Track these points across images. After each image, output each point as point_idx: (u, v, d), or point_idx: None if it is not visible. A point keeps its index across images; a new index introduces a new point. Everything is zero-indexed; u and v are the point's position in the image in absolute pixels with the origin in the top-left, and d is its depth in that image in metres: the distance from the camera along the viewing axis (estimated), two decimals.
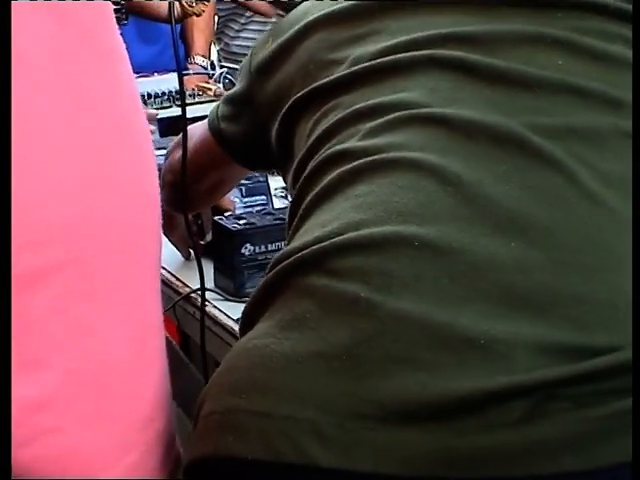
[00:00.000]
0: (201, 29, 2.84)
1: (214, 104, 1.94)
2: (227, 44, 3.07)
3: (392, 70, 0.92)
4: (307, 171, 0.92)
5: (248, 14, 3.00)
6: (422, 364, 0.71)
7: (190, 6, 1.23)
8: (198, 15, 1.84)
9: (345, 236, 0.79)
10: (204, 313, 1.36)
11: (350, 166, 0.85)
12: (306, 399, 0.72)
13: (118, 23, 0.79)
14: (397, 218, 0.79)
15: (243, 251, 1.48)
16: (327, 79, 0.97)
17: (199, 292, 1.42)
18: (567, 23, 0.92)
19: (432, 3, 0.97)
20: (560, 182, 0.79)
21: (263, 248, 1.49)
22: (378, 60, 0.93)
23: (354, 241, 0.78)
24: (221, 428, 0.75)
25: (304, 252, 0.80)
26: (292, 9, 1.22)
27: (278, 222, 1.51)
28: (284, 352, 0.75)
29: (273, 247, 1.50)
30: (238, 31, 3.06)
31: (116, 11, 1.18)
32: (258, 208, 1.67)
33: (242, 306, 1.40)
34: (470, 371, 0.70)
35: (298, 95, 1.01)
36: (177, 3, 1.22)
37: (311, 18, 1.06)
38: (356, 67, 0.95)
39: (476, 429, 0.69)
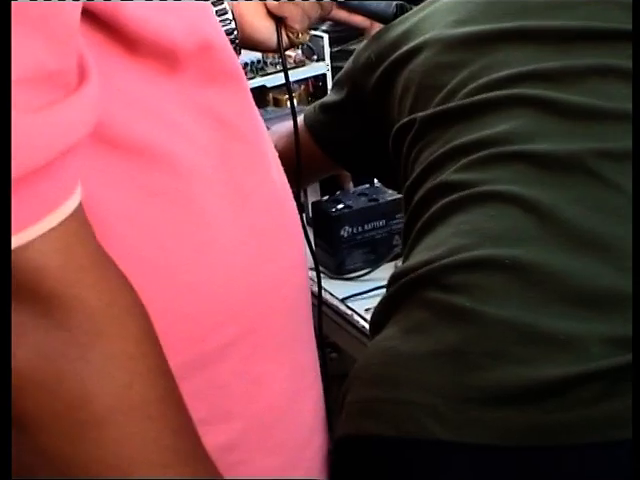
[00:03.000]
0: None
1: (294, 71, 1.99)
2: None
3: (483, 108, 1.05)
4: (415, 200, 1.08)
5: None
6: (515, 358, 0.88)
7: (297, 37, 1.29)
8: (303, 44, 1.92)
9: (451, 258, 0.95)
10: (320, 290, 1.39)
11: (450, 199, 1.01)
12: (426, 388, 0.89)
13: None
14: (490, 242, 0.96)
15: (342, 233, 1.63)
16: (428, 112, 1.10)
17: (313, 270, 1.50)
18: (629, 53, 1.01)
19: (513, 38, 1.09)
20: (621, 202, 0.93)
21: (360, 229, 1.64)
22: (471, 99, 1.06)
23: (458, 262, 0.95)
24: (361, 414, 0.94)
25: (419, 271, 0.97)
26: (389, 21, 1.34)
27: (372, 204, 1.66)
28: (408, 352, 0.93)
29: (369, 227, 1.65)
30: None
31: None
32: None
33: (342, 283, 1.60)
34: (553, 362, 0.87)
35: (402, 122, 1.15)
36: (284, 34, 1.28)
37: (421, 39, 1.17)
38: (452, 104, 1.08)
39: (559, 407, 0.85)
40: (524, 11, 1.11)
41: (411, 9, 1.40)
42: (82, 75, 0.63)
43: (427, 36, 1.16)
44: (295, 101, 2.37)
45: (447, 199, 1.02)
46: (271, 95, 2.38)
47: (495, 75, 1.06)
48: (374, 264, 1.66)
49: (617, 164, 0.97)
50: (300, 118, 1.40)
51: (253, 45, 1.31)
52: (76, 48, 0.62)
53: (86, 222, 0.63)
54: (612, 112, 1.00)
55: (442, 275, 0.96)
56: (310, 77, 2.45)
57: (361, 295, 1.59)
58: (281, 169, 0.88)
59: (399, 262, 1.65)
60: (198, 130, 0.76)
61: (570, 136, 1.00)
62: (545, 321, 0.89)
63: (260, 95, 2.33)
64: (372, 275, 1.65)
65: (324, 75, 2.46)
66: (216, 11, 1.22)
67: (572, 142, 0.99)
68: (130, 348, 0.64)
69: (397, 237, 1.68)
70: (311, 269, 1.50)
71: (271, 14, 1.28)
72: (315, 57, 2.43)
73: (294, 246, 0.86)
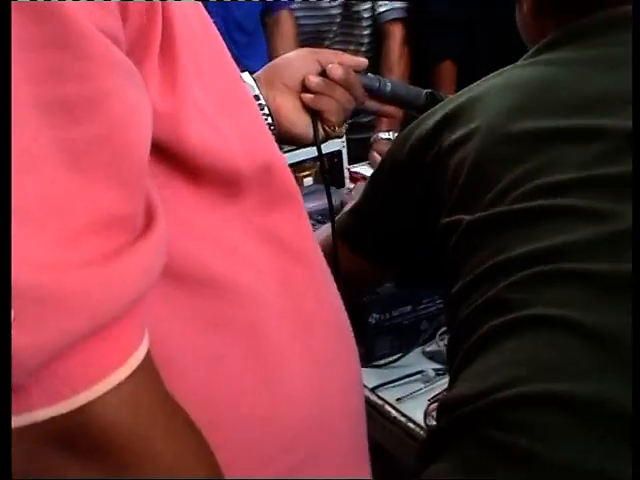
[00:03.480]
0: None
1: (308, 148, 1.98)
2: None
3: (538, 216, 0.98)
4: (462, 316, 1.02)
5: (328, 43, 3.13)
6: None
7: (333, 130, 1.29)
8: (340, 137, 1.93)
9: (507, 392, 0.89)
10: None
11: (501, 321, 0.95)
12: None
13: None
14: (546, 375, 0.89)
15: (370, 320, 1.61)
16: (477, 215, 1.03)
17: None
18: None
19: (570, 137, 1.02)
20: None
21: (388, 315, 1.62)
22: (525, 205, 0.99)
23: (515, 398, 0.89)
24: None
25: (473, 405, 0.92)
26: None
27: (398, 289, 1.63)
28: None
29: (396, 313, 1.63)
30: None
31: None
32: None
33: (371, 371, 1.58)
34: None
35: (446, 221, 1.08)
36: (320, 128, 1.28)
37: (472, 126, 1.09)
38: (503, 208, 1.01)
39: None
40: (581, 105, 1.04)
41: (442, 97, 1.40)
42: (149, 216, 0.63)
43: (477, 123, 1.09)
44: (311, 179, 2.40)
45: (498, 320, 0.96)
46: None
47: (553, 178, 1.00)
48: (402, 350, 1.64)
49: None
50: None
51: (290, 139, 1.30)
52: (144, 189, 0.62)
53: (154, 369, 0.63)
54: None
55: (498, 411, 0.90)
56: (326, 154, 2.44)
57: (391, 384, 1.56)
58: (335, 288, 0.87)
59: (427, 347, 1.65)
60: (260, 255, 0.76)
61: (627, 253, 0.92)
62: (607, 463, 0.84)
63: None
64: (401, 362, 1.62)
65: (339, 152, 2.45)
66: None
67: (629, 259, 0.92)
68: None
69: (425, 322, 1.67)
70: None
71: (307, 108, 1.27)
72: None
73: (352, 367, 0.86)
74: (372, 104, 1.37)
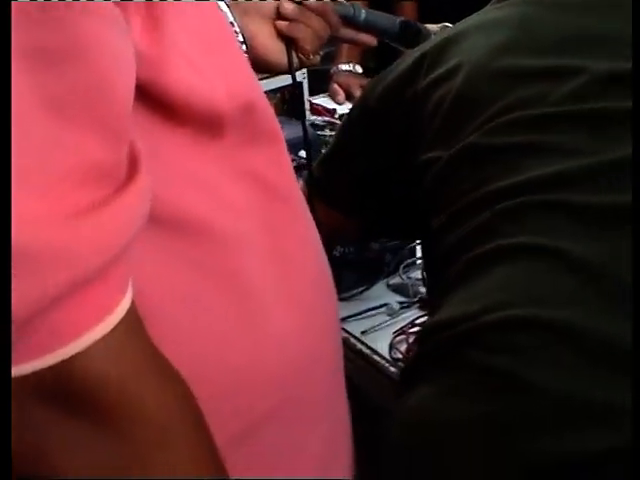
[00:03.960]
0: None
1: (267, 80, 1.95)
2: None
3: (519, 149, 0.99)
4: (446, 244, 1.02)
5: None
6: (552, 428, 0.83)
7: (307, 58, 1.27)
8: (315, 65, 1.91)
9: (494, 315, 0.90)
10: None
11: (489, 247, 0.96)
12: (464, 455, 0.86)
13: None
14: (536, 301, 0.89)
15: (335, 253, 1.61)
16: (457, 146, 1.04)
17: None
18: None
19: (551, 76, 1.03)
20: None
21: (352, 248, 1.63)
22: (505, 140, 1.01)
23: (502, 321, 0.89)
24: None
25: (458, 328, 0.92)
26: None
27: None
28: (445, 417, 0.89)
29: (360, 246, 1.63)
30: None
31: None
32: None
33: (338, 303, 1.58)
34: (587, 435, 0.81)
35: (426, 156, 1.09)
36: (295, 55, 1.26)
37: (455, 61, 1.10)
38: (483, 140, 1.02)
39: None
40: (560, 44, 1.06)
41: (416, 25, 1.40)
42: (133, 165, 0.61)
43: (456, 61, 1.10)
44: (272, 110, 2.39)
45: (484, 248, 0.96)
46: None
47: (529, 112, 1.01)
48: (367, 284, 1.65)
49: None
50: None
51: (264, 67, 1.28)
52: (128, 137, 0.61)
53: (139, 320, 0.62)
54: None
55: (484, 334, 0.90)
56: (287, 85, 2.42)
57: (356, 316, 1.56)
58: (315, 227, 0.87)
59: (391, 280, 1.66)
60: (242, 195, 0.75)
61: (611, 187, 0.94)
62: (590, 389, 0.84)
63: None
64: (365, 295, 1.63)
65: (300, 83, 2.43)
66: None
67: (616, 193, 0.93)
68: (189, 456, 0.62)
69: (388, 255, 1.67)
70: None
71: (282, 35, 1.26)
72: None
73: (331, 310, 0.86)
74: (347, 32, 1.37)
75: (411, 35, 1.33)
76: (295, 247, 0.80)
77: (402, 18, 1.40)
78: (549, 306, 0.89)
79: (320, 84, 2.72)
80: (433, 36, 1.28)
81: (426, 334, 1.00)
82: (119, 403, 0.58)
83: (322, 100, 2.57)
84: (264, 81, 2.17)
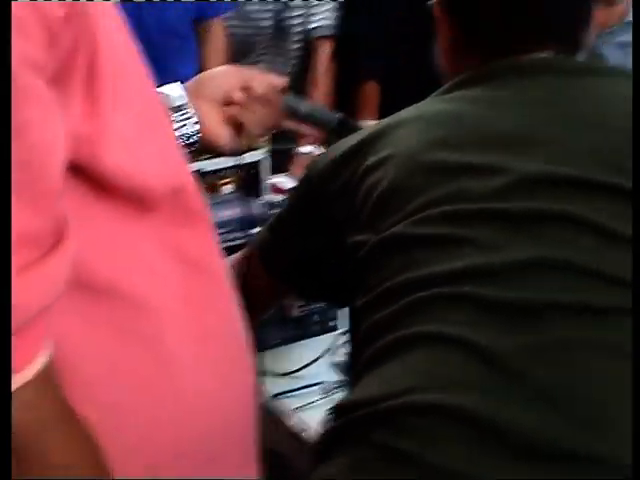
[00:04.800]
0: None
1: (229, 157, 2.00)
2: None
3: (435, 242, 1.06)
4: (365, 327, 1.09)
5: (256, 54, 3.19)
6: None
7: (253, 142, 1.38)
8: (261, 149, 1.98)
9: (400, 400, 0.97)
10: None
11: (399, 335, 1.02)
12: None
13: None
14: (439, 387, 0.97)
15: None
16: (381, 235, 1.10)
17: None
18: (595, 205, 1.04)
19: (475, 172, 1.09)
20: (572, 353, 0.95)
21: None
22: (425, 231, 1.07)
23: (407, 405, 0.97)
24: None
25: (368, 409, 0.99)
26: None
27: None
28: None
29: (289, 304, 1.76)
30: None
31: (189, 145, 1.30)
32: None
33: (274, 379, 1.62)
34: None
35: (354, 240, 1.14)
36: (241, 139, 1.35)
37: (385, 153, 1.15)
38: (406, 230, 1.08)
39: None
40: (488, 142, 1.12)
41: (352, 123, 1.48)
42: (59, 234, 0.67)
43: (390, 151, 1.15)
44: (230, 187, 2.43)
45: (398, 334, 1.03)
46: (206, 180, 2.40)
47: (452, 206, 1.07)
48: (293, 341, 1.77)
49: (566, 315, 0.98)
50: None
51: (213, 149, 1.37)
52: (57, 209, 0.67)
53: (54, 376, 0.67)
54: (571, 264, 1.01)
55: (391, 417, 0.97)
56: (246, 164, 2.47)
57: (291, 393, 1.62)
58: (237, 303, 0.93)
59: (337, 357, 1.71)
60: (167, 269, 0.81)
61: (521, 284, 1.01)
62: (486, 474, 0.91)
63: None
64: (305, 371, 1.68)
65: (259, 162, 2.48)
66: (182, 114, 1.26)
67: (525, 290, 1.01)
68: None
69: (316, 316, 1.79)
70: None
71: (230, 120, 1.34)
72: None
73: (247, 377, 0.92)
74: (290, 122, 1.44)
75: (347, 131, 1.40)
76: (215, 320, 0.86)
77: (341, 115, 1.47)
78: (452, 392, 0.96)
79: (283, 163, 2.79)
80: None
81: (339, 411, 1.05)
82: (22, 447, 0.63)
83: (282, 179, 2.62)
84: (224, 158, 2.23)
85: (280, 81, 1.41)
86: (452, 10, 1.25)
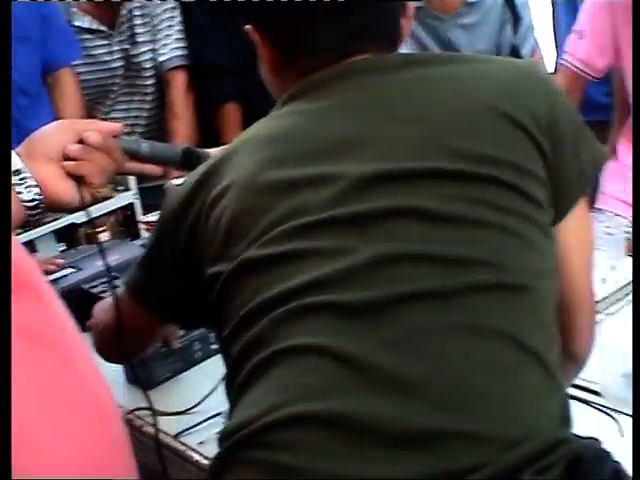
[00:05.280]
0: None
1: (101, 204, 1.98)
2: None
3: (285, 258, 1.10)
4: (233, 354, 1.12)
5: (113, 95, 3.19)
6: None
7: (98, 192, 1.35)
8: (108, 198, 1.98)
9: (271, 416, 1.02)
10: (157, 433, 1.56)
11: (265, 354, 1.07)
12: None
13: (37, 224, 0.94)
14: (306, 397, 1.02)
15: None
16: (234, 263, 1.13)
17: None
18: (429, 192, 1.09)
19: (312, 184, 1.12)
20: (420, 341, 1.02)
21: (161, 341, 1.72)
22: (273, 249, 1.10)
23: (278, 420, 1.01)
24: None
25: (244, 431, 1.03)
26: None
27: None
28: None
29: None
30: (107, 112, 3.22)
31: (33, 208, 1.27)
32: None
33: (174, 418, 1.63)
34: None
35: (211, 271, 1.17)
36: (85, 191, 1.33)
37: (226, 181, 1.17)
38: (257, 253, 1.11)
39: None
40: (319, 153, 1.15)
41: (198, 152, 1.47)
42: None
43: (230, 179, 1.18)
44: (107, 233, 2.43)
45: (263, 354, 1.07)
46: (82, 231, 2.39)
47: (295, 221, 1.10)
48: (180, 372, 1.81)
49: (414, 304, 1.04)
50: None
51: (60, 207, 1.34)
52: None
53: None
54: (409, 254, 1.06)
55: (265, 434, 1.02)
56: (119, 208, 2.47)
57: (193, 428, 1.61)
58: (94, 364, 0.91)
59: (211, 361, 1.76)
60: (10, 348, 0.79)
61: (370, 283, 1.06)
62: (363, 469, 0.96)
63: (70, 233, 2.34)
64: (201, 408, 1.67)
65: (132, 204, 2.49)
66: (18, 179, 1.25)
67: (373, 289, 1.05)
68: None
69: (197, 343, 1.83)
70: (145, 409, 1.58)
71: (70, 175, 1.32)
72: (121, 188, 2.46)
73: (109, 445, 0.89)
74: (132, 165, 1.43)
75: (193, 161, 1.40)
76: (69, 391, 0.84)
77: (184, 146, 1.47)
78: (318, 400, 1.01)
79: (157, 200, 2.78)
80: None
81: (222, 439, 1.09)
82: None
83: (156, 217, 2.62)
84: (98, 205, 2.22)
85: (114, 127, 1.40)
86: (264, 31, 1.26)
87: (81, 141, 1.33)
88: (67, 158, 1.32)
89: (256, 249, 1.11)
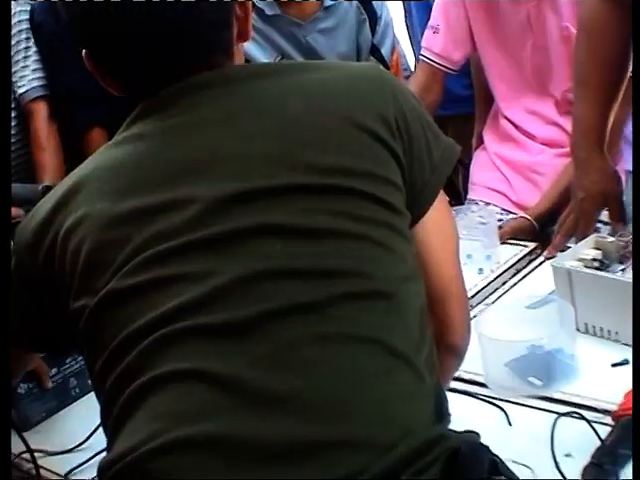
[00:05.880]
0: None
1: None
2: None
3: (149, 287, 1.08)
4: (107, 388, 1.09)
5: None
6: None
7: None
8: None
9: (152, 444, 1.00)
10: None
11: (138, 384, 1.05)
12: None
13: None
14: (183, 422, 1.01)
15: (20, 391, 1.71)
16: (98, 296, 1.10)
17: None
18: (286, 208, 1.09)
19: (168, 208, 1.10)
20: (293, 355, 1.02)
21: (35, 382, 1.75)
22: (136, 279, 1.08)
23: (158, 447, 1.00)
24: None
25: (125, 460, 1.01)
26: None
27: None
28: None
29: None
30: None
31: None
32: None
33: (64, 457, 1.59)
34: None
35: (73, 307, 1.14)
36: None
37: (78, 215, 1.15)
38: (120, 284, 1.09)
39: None
40: (172, 178, 1.12)
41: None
42: None
43: (84, 211, 1.15)
44: None
45: (135, 385, 1.05)
46: None
47: (156, 249, 1.09)
48: (56, 411, 1.80)
49: (282, 320, 1.04)
50: None
51: None
52: None
53: None
54: (273, 271, 1.06)
55: (146, 462, 1.00)
56: None
57: (84, 465, 1.59)
58: None
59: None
60: None
61: (235, 303, 1.05)
62: None
63: None
64: (90, 443, 1.64)
65: None
66: None
67: (243, 308, 1.05)
68: None
69: (72, 379, 1.82)
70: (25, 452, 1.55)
71: None
72: None
73: None
74: None
75: None
76: None
77: (45, 184, 1.45)
78: (193, 424, 1.00)
79: None
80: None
81: (100, 472, 1.07)
82: None
83: None
84: None
85: None
86: (99, 62, 1.24)
87: None
88: None
89: (118, 280, 1.09)
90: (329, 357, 1.02)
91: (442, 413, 1.10)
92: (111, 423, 1.09)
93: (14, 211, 1.45)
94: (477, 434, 1.10)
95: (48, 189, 1.43)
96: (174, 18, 1.14)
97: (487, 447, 1.08)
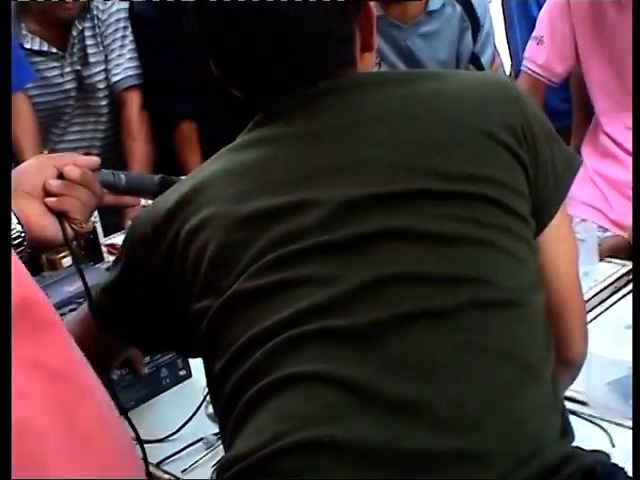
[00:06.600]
0: None
1: None
2: (53, 149, 3.09)
3: (276, 288, 1.08)
4: (227, 388, 1.09)
5: (67, 118, 3.14)
6: None
7: (80, 227, 1.33)
8: (89, 233, 1.95)
9: (276, 445, 1.00)
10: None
11: (263, 384, 1.05)
12: None
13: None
14: (309, 424, 1.00)
15: (112, 377, 1.63)
16: (223, 297, 1.10)
17: None
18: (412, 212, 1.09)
19: (293, 211, 1.11)
20: (422, 362, 1.01)
21: (127, 369, 1.73)
22: (264, 280, 1.09)
23: (283, 448, 0.99)
24: None
25: (247, 460, 1.01)
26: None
27: None
28: None
29: None
30: (61, 135, 3.18)
31: (16, 246, 1.25)
32: None
33: (155, 445, 1.59)
34: None
35: (197, 307, 1.14)
36: (68, 226, 1.32)
37: (203, 215, 1.15)
38: (246, 285, 1.09)
39: None
40: (298, 182, 1.12)
41: (173, 180, 1.44)
42: None
43: (209, 211, 1.15)
44: (69, 259, 2.38)
45: (258, 386, 1.05)
46: (44, 258, 2.35)
47: (280, 251, 1.09)
48: (147, 399, 1.78)
49: (411, 325, 1.03)
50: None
51: (42, 243, 1.33)
52: None
53: None
54: (401, 276, 1.06)
55: (270, 463, 1.00)
56: None
57: (175, 455, 1.58)
58: (110, 403, 0.88)
59: (209, 409, 1.67)
60: (30, 386, 0.77)
61: (366, 307, 1.04)
62: None
63: (32, 260, 2.28)
64: (180, 434, 1.63)
65: (94, 227, 2.44)
66: None
67: (372, 312, 1.04)
68: None
69: (164, 369, 1.81)
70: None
71: (52, 210, 1.31)
72: None
73: (126, 466, 0.87)
74: (111, 198, 1.43)
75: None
76: (89, 428, 0.81)
77: (160, 176, 1.46)
78: (321, 426, 1.00)
79: (115, 221, 2.77)
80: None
81: (222, 470, 1.06)
82: None
83: (118, 239, 2.58)
84: None
85: (91, 161, 1.40)
86: (226, 75, 1.24)
87: (60, 176, 1.33)
88: (48, 194, 1.31)
89: (244, 282, 1.09)
90: (462, 366, 1.02)
91: (567, 429, 1.07)
92: (231, 424, 1.08)
93: (129, 200, 1.46)
94: (607, 455, 1.08)
95: (164, 180, 1.43)
96: (301, 34, 1.16)
97: (622, 469, 1.05)
